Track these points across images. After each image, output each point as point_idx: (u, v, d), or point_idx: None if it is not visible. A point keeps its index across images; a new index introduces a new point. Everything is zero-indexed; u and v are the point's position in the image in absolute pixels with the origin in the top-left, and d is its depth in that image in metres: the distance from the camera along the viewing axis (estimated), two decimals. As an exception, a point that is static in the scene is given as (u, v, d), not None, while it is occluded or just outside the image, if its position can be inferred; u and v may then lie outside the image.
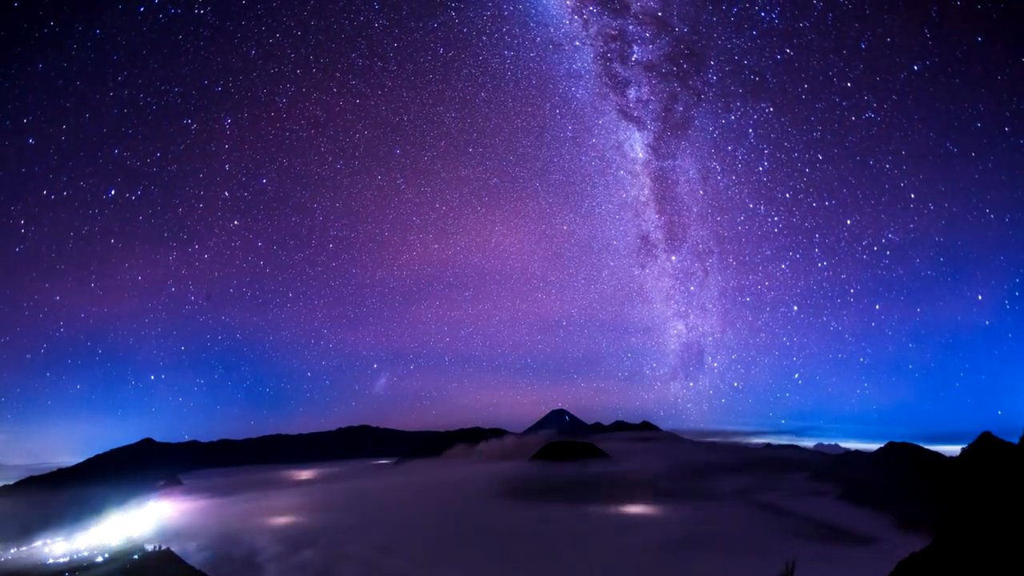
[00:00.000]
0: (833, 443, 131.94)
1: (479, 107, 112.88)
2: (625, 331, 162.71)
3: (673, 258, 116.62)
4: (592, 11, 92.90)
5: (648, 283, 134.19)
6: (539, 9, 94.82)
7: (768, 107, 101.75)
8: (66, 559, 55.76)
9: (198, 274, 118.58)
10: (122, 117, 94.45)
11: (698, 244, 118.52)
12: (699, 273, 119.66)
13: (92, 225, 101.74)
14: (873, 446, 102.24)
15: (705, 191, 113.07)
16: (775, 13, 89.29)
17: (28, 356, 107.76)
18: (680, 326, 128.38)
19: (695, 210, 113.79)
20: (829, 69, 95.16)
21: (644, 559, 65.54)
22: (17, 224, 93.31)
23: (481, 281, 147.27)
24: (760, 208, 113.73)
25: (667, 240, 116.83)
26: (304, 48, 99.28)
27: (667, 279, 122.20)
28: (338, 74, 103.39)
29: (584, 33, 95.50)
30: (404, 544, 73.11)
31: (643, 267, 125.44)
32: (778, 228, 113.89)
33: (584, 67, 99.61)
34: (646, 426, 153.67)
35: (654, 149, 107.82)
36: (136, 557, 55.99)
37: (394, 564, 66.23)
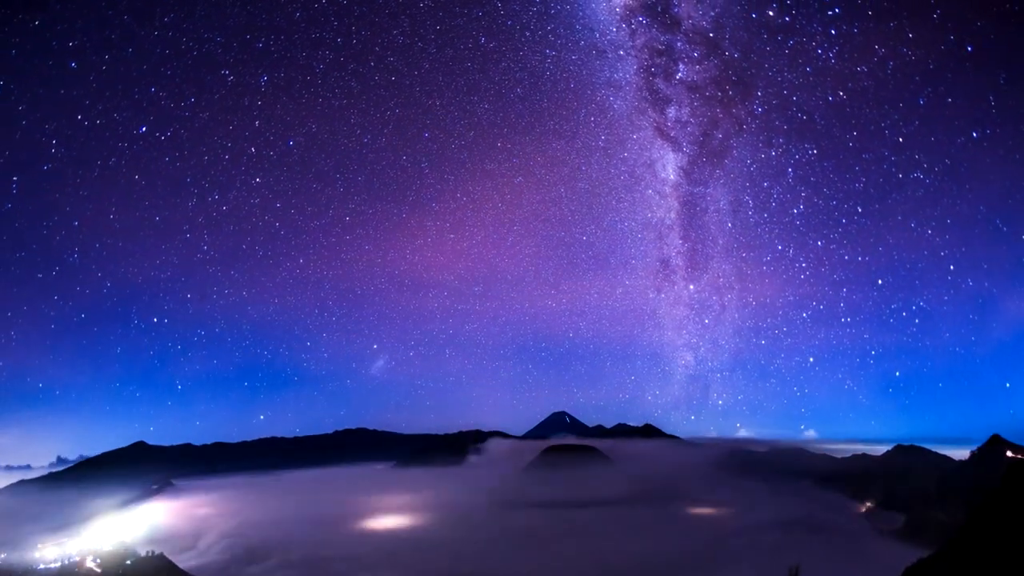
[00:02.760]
0: (840, 446, 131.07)
1: (513, 103, 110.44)
2: (632, 353, 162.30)
3: (691, 287, 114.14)
4: (642, 22, 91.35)
5: (662, 308, 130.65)
6: (587, 12, 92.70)
7: (812, 149, 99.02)
8: (57, 564, 54.39)
9: (214, 224, 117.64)
10: (163, 57, 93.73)
11: (719, 277, 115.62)
12: (716, 307, 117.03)
13: (119, 157, 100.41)
14: (880, 449, 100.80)
15: (734, 224, 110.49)
16: (832, 52, 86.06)
17: (40, 276, 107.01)
18: (689, 357, 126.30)
19: (720, 242, 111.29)
20: (882, 120, 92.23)
21: (647, 564, 64.67)
22: (49, 143, 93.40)
23: (492, 278, 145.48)
24: (789, 251, 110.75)
25: (687, 268, 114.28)
26: (347, 18, 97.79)
27: (682, 307, 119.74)
28: (377, 48, 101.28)
29: (630, 43, 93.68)
30: (403, 548, 71.90)
31: (659, 291, 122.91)
32: (805, 275, 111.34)
33: (625, 78, 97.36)
34: (648, 429, 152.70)
35: (687, 173, 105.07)
36: (129, 562, 54.53)
37: (393, 569, 65.03)
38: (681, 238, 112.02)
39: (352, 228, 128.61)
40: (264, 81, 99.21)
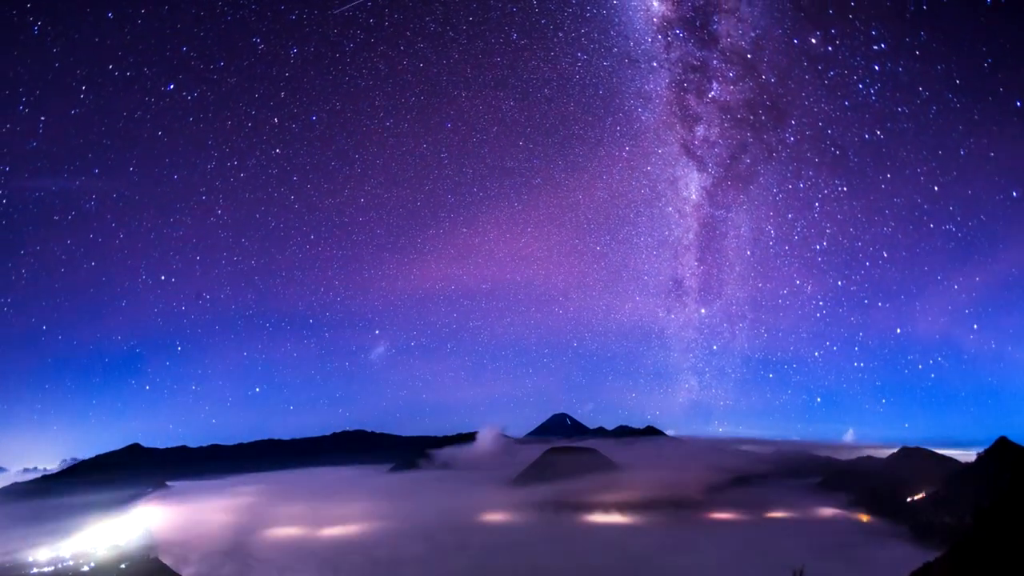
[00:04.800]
0: (845, 448, 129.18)
1: (539, 103, 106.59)
2: (635, 370, 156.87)
3: (702, 311, 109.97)
4: (678, 35, 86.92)
5: (670, 329, 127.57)
6: (623, 19, 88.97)
7: (842, 186, 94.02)
8: (51, 568, 54.08)
9: (230, 189, 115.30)
10: (197, 19, 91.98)
11: (732, 305, 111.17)
12: (726, 334, 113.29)
13: (145, 112, 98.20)
14: (886, 451, 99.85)
15: (753, 253, 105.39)
16: (874, 89, 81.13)
17: (55, 218, 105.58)
18: (693, 382, 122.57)
19: (737, 269, 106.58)
20: (918, 166, 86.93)
21: (650, 571, 63.87)
22: (79, 88, 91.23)
23: (501, 278, 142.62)
24: (807, 288, 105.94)
25: (700, 291, 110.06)
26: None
27: (691, 331, 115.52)
28: (408, 33, 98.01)
29: (664, 56, 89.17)
30: (401, 553, 71.16)
31: (669, 311, 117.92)
32: (821, 314, 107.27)
33: (656, 90, 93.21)
34: (651, 431, 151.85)
35: (710, 194, 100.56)
36: (123, 567, 54.08)
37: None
38: (697, 260, 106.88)
39: (366, 210, 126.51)
40: (294, 53, 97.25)
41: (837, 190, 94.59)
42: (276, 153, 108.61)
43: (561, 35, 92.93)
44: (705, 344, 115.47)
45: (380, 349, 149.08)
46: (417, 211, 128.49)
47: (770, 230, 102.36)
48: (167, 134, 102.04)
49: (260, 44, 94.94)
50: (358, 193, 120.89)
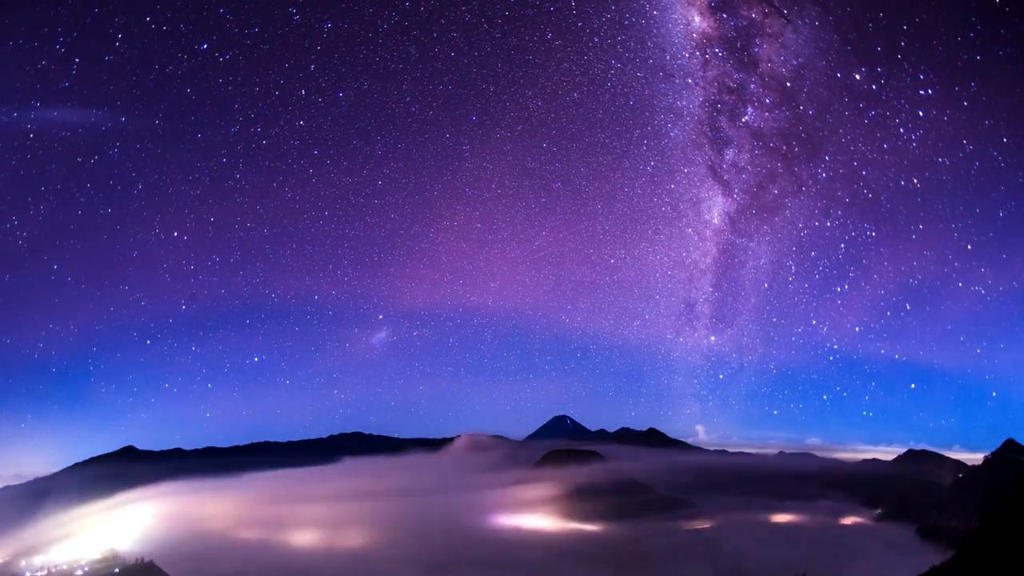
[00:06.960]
0: (849, 451, 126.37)
1: (567, 106, 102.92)
2: (636, 389, 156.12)
3: (712, 338, 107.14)
4: (717, 53, 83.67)
5: (677, 352, 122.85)
6: (661, 31, 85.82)
7: (871, 230, 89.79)
8: (43, 572, 53.39)
9: (251, 155, 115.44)
10: None
11: (743, 336, 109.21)
12: (734, 364, 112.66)
13: (176, 67, 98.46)
14: (891, 454, 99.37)
15: (771, 286, 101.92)
16: (916, 135, 77.41)
17: (79, 160, 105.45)
18: (695, 408, 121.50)
19: (752, 300, 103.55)
20: (954, 221, 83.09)
21: (649, 572, 63.08)
22: (115, 36, 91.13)
23: (511, 278, 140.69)
24: (823, 329, 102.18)
25: (712, 317, 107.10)
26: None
27: (698, 356, 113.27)
28: (443, 21, 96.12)
29: (700, 73, 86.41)
30: (399, 560, 70.52)
31: (678, 334, 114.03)
32: (834, 357, 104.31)
33: (688, 108, 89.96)
34: (653, 433, 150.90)
35: (732, 221, 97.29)
36: (117, 570, 53.53)
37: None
38: (712, 286, 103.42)
39: (382, 193, 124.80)
40: (328, 28, 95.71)
41: (865, 234, 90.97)
42: (300, 125, 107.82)
43: (596, 40, 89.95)
44: (711, 371, 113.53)
45: (382, 335, 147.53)
46: (433, 200, 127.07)
47: (791, 265, 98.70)
48: (196, 92, 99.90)
49: (296, 15, 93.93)
50: (376, 175, 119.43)
